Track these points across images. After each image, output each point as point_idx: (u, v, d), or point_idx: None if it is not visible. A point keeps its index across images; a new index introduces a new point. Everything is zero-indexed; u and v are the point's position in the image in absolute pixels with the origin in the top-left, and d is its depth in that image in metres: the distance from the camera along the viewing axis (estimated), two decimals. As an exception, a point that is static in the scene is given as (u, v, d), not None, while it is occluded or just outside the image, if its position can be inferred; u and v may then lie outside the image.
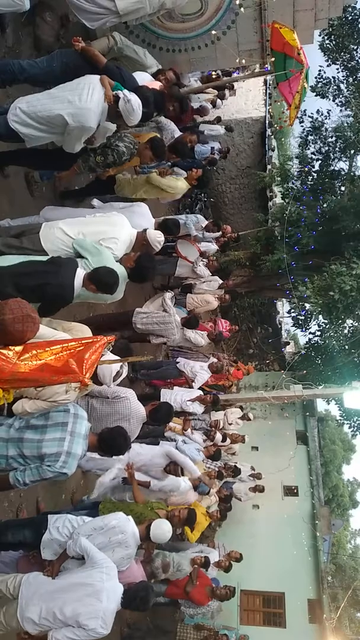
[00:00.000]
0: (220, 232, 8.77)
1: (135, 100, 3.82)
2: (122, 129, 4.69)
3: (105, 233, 3.72)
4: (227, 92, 10.47)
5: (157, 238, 4.16)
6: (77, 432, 2.93)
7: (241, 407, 10.38)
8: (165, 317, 6.47)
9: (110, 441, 3.20)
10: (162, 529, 3.86)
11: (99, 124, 3.78)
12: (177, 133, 5.84)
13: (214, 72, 8.62)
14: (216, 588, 6.48)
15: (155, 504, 4.57)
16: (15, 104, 3.67)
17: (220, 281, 8.82)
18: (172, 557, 6.26)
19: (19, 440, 2.83)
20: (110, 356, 3.17)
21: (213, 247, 8.62)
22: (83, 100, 3.59)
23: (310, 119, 11.72)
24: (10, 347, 2.34)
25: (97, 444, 3.15)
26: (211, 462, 7.60)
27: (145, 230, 4.15)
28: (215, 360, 8.06)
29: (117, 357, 3.32)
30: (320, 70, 12.29)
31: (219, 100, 10.04)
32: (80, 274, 3.18)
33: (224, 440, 8.32)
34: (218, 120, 10.33)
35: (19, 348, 2.35)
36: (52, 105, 3.63)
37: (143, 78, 4.64)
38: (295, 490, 12.43)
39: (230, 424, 9.63)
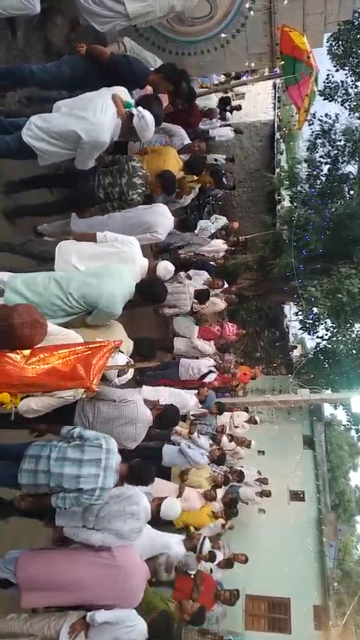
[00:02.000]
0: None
1: (149, 116, 3.86)
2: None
3: None
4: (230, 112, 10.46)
5: (166, 276, 4.33)
6: (109, 466, 3.23)
7: (246, 409, 10.34)
8: (180, 287, 6.71)
9: (138, 473, 3.54)
10: (172, 508, 4.20)
11: (112, 139, 3.81)
12: (187, 140, 5.84)
13: (222, 76, 8.65)
14: (221, 592, 6.46)
15: (165, 596, 4.79)
16: (30, 119, 3.70)
17: (226, 285, 8.82)
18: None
19: (60, 476, 3.14)
20: (117, 360, 3.18)
21: (223, 246, 8.64)
22: (97, 115, 3.63)
23: (319, 123, 11.70)
24: (18, 351, 2.34)
25: (127, 474, 3.46)
26: (217, 467, 7.57)
27: (156, 265, 4.29)
28: (219, 360, 8.08)
29: (124, 361, 3.32)
30: (328, 75, 12.29)
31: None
32: None
33: (230, 441, 8.29)
34: (222, 117, 10.24)
35: (26, 352, 2.35)
36: (67, 122, 3.66)
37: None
38: (302, 495, 12.36)
39: (236, 427, 9.59)
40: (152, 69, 4.81)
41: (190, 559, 6.31)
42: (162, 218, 4.93)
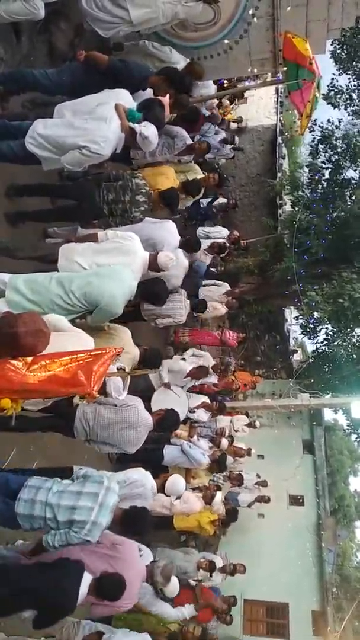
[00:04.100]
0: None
1: (152, 134, 3.88)
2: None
3: (119, 264, 3.80)
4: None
5: (167, 263, 4.24)
6: (105, 503, 3.10)
7: (247, 414, 10.35)
8: (175, 296, 6.35)
9: (132, 520, 3.42)
10: (176, 483, 4.28)
11: (114, 150, 3.84)
12: (189, 140, 5.87)
13: (226, 81, 8.68)
14: (218, 607, 6.49)
15: (166, 621, 4.87)
16: (33, 128, 3.74)
17: (228, 288, 8.79)
18: (176, 561, 6.32)
19: (57, 507, 3.03)
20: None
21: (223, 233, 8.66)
22: (102, 129, 3.67)
23: (320, 128, 11.72)
24: (19, 357, 2.36)
25: (121, 519, 3.34)
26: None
27: (157, 254, 4.22)
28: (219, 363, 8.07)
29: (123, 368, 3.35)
30: (332, 79, 12.29)
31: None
32: (87, 580, 3.01)
33: (230, 444, 8.30)
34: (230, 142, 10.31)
35: (28, 359, 2.36)
36: (69, 133, 3.69)
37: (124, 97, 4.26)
38: (301, 500, 12.34)
39: (236, 431, 9.59)
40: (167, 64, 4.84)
41: (189, 566, 6.33)
42: (169, 236, 4.96)
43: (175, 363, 5.70)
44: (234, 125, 12.00)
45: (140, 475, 3.96)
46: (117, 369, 3.21)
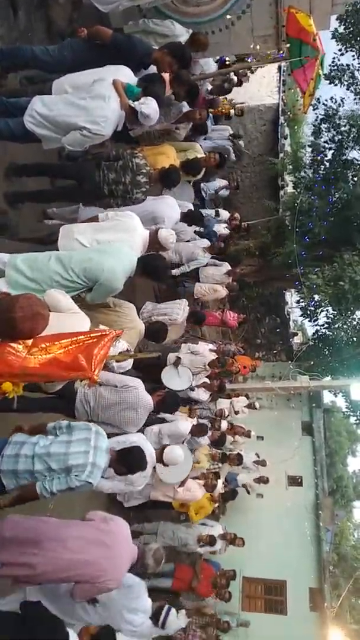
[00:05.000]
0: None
1: (153, 112, 3.84)
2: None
3: (119, 240, 3.77)
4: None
5: (168, 239, 4.16)
6: (99, 446, 3.06)
7: (247, 396, 10.40)
8: (176, 300, 6.48)
9: (127, 459, 3.30)
10: (174, 453, 4.25)
11: (115, 129, 3.81)
12: (186, 108, 5.76)
13: (227, 59, 8.51)
14: (218, 578, 6.60)
15: None
16: (31, 106, 3.68)
17: (229, 267, 8.74)
18: (178, 533, 6.43)
19: (47, 455, 2.92)
20: (117, 348, 3.21)
21: (224, 231, 8.59)
22: (103, 107, 3.62)
23: (324, 107, 11.51)
24: (19, 340, 2.35)
25: (116, 459, 3.23)
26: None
27: (157, 230, 4.16)
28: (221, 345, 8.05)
29: (124, 348, 3.35)
30: (334, 58, 12.02)
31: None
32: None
33: (229, 429, 8.35)
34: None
35: (28, 342, 2.36)
36: (69, 112, 3.64)
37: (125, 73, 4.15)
38: (300, 480, 12.49)
39: (236, 413, 9.65)
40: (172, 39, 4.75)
41: (189, 538, 6.44)
42: (169, 210, 4.94)
43: (175, 427, 5.67)
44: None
45: (139, 439, 3.97)
46: (120, 352, 3.23)
